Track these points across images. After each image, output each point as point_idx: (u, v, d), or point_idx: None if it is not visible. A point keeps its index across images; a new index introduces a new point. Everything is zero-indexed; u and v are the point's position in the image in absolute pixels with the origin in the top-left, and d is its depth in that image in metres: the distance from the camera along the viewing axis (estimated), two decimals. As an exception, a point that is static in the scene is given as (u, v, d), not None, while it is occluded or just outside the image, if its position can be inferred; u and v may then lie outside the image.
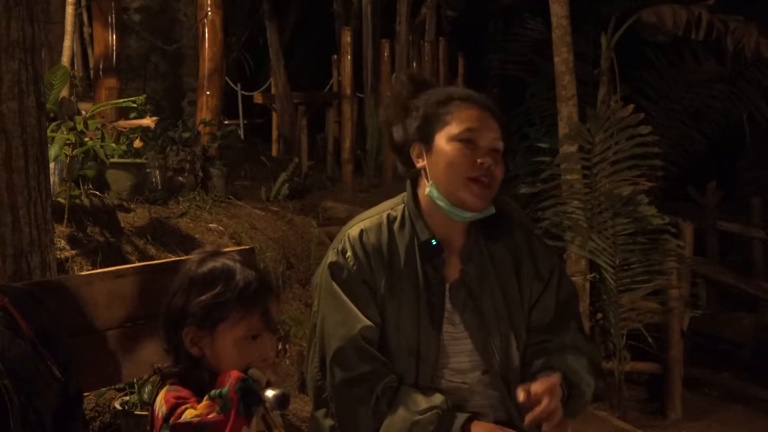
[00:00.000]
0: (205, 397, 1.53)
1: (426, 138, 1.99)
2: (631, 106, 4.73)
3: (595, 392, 4.71)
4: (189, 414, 1.52)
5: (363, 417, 1.92)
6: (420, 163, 2.01)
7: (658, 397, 5.14)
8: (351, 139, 7.96)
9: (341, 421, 1.95)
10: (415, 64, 8.81)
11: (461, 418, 1.88)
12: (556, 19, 4.87)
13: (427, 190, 1.99)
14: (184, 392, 1.59)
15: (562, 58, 4.86)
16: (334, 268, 1.98)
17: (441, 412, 1.88)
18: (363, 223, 2.04)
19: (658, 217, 4.58)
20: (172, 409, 1.54)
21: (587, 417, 4.37)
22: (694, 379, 5.37)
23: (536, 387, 1.81)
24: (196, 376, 1.63)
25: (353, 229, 2.02)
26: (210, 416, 1.49)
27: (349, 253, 1.98)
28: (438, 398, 1.91)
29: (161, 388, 1.63)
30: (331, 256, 2.01)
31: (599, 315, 4.89)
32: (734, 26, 5.76)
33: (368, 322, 1.93)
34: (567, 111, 4.87)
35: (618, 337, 4.70)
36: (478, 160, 1.92)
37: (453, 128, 1.95)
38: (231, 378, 1.53)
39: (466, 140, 1.94)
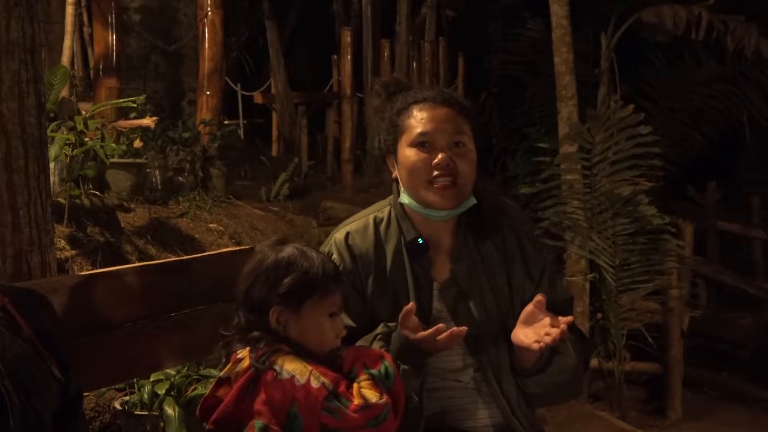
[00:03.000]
0: (365, 377, 1.68)
1: (392, 148, 2.04)
2: (631, 106, 4.72)
3: (595, 392, 4.68)
4: (371, 394, 1.66)
5: None
6: (394, 173, 2.06)
7: (658, 397, 5.13)
8: (351, 139, 7.96)
9: None
10: (415, 64, 8.81)
11: (396, 333, 1.88)
12: (556, 19, 4.86)
13: (401, 197, 2.03)
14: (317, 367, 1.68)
15: (562, 58, 4.86)
16: None
17: (382, 335, 1.90)
18: (349, 226, 2.06)
19: (658, 217, 4.58)
20: (335, 382, 1.65)
21: (587, 417, 4.38)
22: (694, 379, 5.37)
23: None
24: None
25: (339, 233, 2.05)
26: (386, 398, 1.67)
27: (335, 256, 2.01)
28: (378, 329, 1.92)
29: (270, 356, 1.68)
30: None
31: (599, 315, 4.89)
32: (734, 26, 5.75)
33: (348, 323, 1.94)
34: (567, 111, 4.87)
35: (618, 337, 4.69)
36: (434, 161, 1.95)
37: (410, 134, 1.99)
38: (388, 359, 1.73)
39: (420, 144, 1.97)
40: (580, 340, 2.07)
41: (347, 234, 2.04)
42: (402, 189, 2.03)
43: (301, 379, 1.65)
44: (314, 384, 1.64)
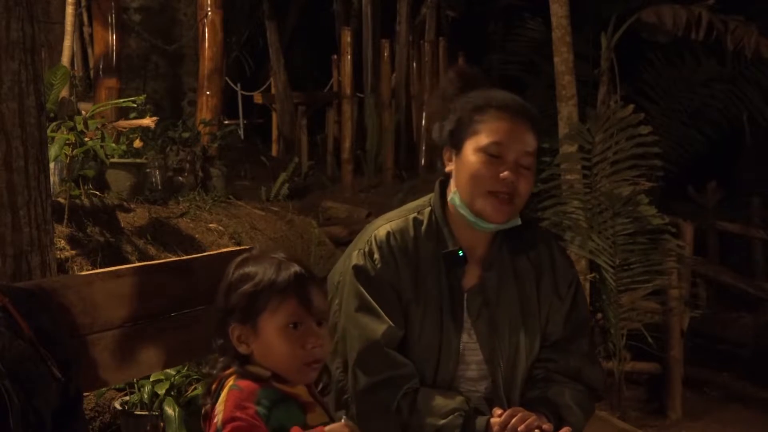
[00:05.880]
0: None
1: (456, 144, 1.97)
2: (631, 106, 4.72)
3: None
4: None
5: (385, 422, 1.91)
6: (449, 167, 2.00)
7: (658, 397, 5.13)
8: (351, 139, 7.96)
9: (363, 423, 1.92)
10: (415, 64, 8.81)
11: (482, 419, 1.88)
12: (556, 19, 4.86)
13: (451, 196, 1.99)
14: (246, 394, 1.55)
15: (562, 58, 4.86)
16: (360, 270, 1.96)
17: (463, 413, 1.88)
18: (390, 225, 2.01)
19: (658, 217, 4.58)
20: (227, 421, 1.51)
21: (587, 417, 4.37)
22: (694, 379, 5.36)
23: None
24: (253, 374, 1.60)
25: (380, 230, 1.99)
26: None
27: (376, 255, 1.96)
28: (458, 399, 1.91)
29: (225, 382, 1.60)
30: (356, 258, 1.98)
31: (599, 315, 4.89)
32: (734, 26, 5.75)
33: (392, 324, 1.92)
34: (567, 111, 4.87)
35: (618, 337, 4.69)
36: (501, 175, 1.90)
37: (482, 139, 1.93)
38: None
39: (492, 153, 1.91)
40: (588, 403, 2.08)
41: (388, 233, 1.98)
42: (454, 189, 1.98)
43: (217, 409, 1.54)
44: (215, 419, 1.53)
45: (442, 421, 1.86)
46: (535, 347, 2.02)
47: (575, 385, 2.01)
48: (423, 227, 2.00)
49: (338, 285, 2.02)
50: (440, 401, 1.89)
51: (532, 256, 2.04)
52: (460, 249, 1.97)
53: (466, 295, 1.99)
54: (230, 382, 1.58)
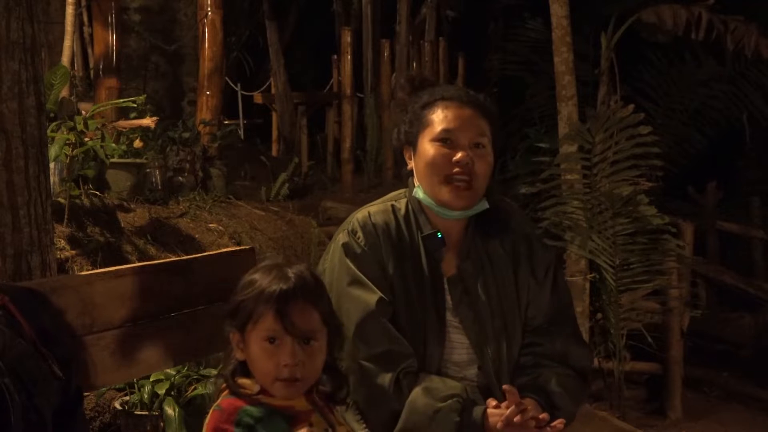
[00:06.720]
0: None
1: (412, 141, 2.05)
2: (631, 106, 4.72)
3: (595, 392, 4.70)
4: None
5: (382, 396, 1.94)
6: (410, 165, 2.08)
7: (658, 397, 5.13)
8: (351, 139, 7.96)
9: (360, 396, 1.97)
10: (415, 64, 8.81)
11: (479, 409, 1.90)
12: (556, 19, 4.86)
13: (414, 190, 2.06)
14: (226, 415, 1.57)
15: (562, 58, 4.86)
16: (346, 247, 2.01)
17: (462, 400, 1.90)
18: (370, 208, 2.08)
19: (658, 217, 4.58)
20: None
21: (587, 417, 4.37)
22: (694, 379, 5.36)
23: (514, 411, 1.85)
24: (240, 385, 1.62)
25: (361, 213, 2.07)
26: None
27: (359, 234, 2.02)
28: (457, 386, 1.94)
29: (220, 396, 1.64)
30: (341, 238, 2.04)
31: (599, 315, 4.89)
32: (734, 26, 5.75)
33: (382, 296, 1.96)
34: (567, 111, 4.86)
35: (618, 337, 4.69)
36: (455, 158, 1.96)
37: (433, 129, 2.01)
38: None
39: (443, 140, 1.99)
40: (578, 387, 2.07)
41: (369, 214, 2.06)
42: (416, 183, 2.05)
43: (206, 420, 1.59)
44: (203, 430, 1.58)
45: (441, 405, 1.89)
46: (517, 333, 2.06)
47: (564, 370, 2.04)
48: (401, 213, 2.07)
49: (324, 271, 2.07)
50: (440, 385, 1.93)
51: (506, 244, 2.09)
52: (438, 231, 2.03)
53: (446, 280, 2.04)
54: (219, 399, 1.61)
